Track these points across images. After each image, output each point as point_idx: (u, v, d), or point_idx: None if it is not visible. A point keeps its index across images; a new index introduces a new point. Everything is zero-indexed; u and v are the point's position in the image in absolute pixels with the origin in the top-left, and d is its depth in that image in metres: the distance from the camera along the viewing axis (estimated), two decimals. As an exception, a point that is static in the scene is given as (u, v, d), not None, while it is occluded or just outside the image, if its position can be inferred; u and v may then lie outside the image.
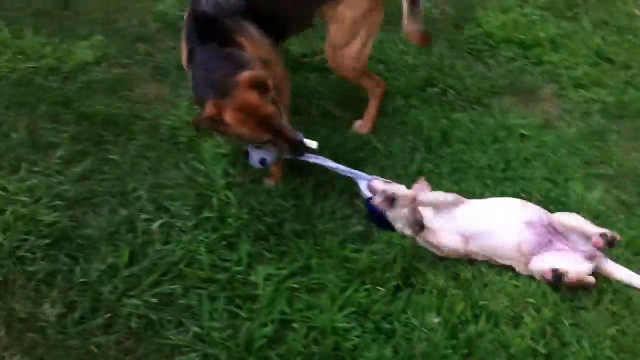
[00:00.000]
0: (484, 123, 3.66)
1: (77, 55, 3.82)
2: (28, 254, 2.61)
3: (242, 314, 2.47)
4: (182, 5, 4.29)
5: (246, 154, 2.98)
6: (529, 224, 2.77)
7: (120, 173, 3.09)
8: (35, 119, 3.34)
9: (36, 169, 3.02)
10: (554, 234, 2.79)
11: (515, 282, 2.72)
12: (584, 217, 2.84)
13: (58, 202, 2.84)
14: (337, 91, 3.79)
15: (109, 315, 2.42)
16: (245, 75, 2.64)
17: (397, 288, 2.66)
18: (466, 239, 2.81)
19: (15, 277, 2.52)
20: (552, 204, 3.10)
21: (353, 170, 3.02)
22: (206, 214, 2.91)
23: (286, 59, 3.93)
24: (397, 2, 3.37)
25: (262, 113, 2.68)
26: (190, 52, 2.88)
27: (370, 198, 2.89)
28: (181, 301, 2.51)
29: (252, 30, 2.94)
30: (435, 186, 3.06)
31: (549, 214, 2.86)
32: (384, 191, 2.84)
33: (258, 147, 2.88)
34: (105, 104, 3.51)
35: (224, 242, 2.82)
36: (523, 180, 3.29)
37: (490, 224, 2.82)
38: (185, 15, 2.98)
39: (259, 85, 2.65)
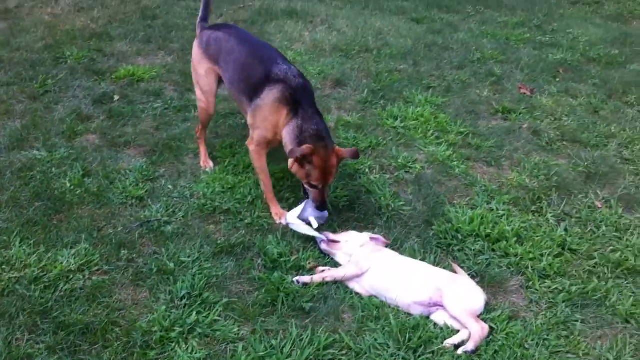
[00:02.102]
0: (453, 315, 3.75)
1: (61, 264, 3.96)
2: None
3: None
4: (168, 211, 4.55)
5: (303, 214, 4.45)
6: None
7: (93, 383, 3.13)
8: (14, 330, 3.42)
9: (8, 383, 3.09)
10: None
11: None
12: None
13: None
14: (312, 288, 3.93)
15: None
16: (339, 148, 4.39)
17: None
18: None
19: None
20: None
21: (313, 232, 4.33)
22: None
23: (265, 259, 4.13)
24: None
25: (330, 171, 4.33)
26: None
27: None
28: None
29: None
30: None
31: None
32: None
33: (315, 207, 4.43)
34: (83, 311, 3.61)
35: None
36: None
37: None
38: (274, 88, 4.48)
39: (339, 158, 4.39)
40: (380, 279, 3.92)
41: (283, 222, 4.54)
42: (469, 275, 4.08)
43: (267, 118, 4.53)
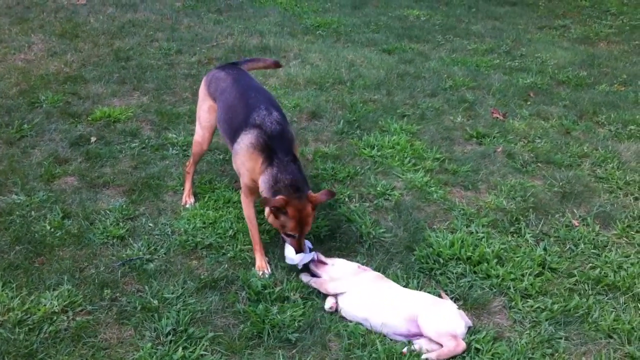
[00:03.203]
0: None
1: (44, 306, 3.93)
2: None
3: None
4: (150, 248, 4.54)
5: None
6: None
7: None
8: (-1, 376, 3.40)
9: None
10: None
11: None
12: None
13: None
14: (297, 319, 3.94)
15: None
16: (313, 194, 4.25)
17: None
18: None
19: None
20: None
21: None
22: None
23: (249, 292, 4.14)
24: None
25: (306, 221, 4.23)
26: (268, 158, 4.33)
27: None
28: None
29: None
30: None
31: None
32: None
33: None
34: (68, 352, 3.60)
35: None
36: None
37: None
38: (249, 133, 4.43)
39: (314, 206, 4.28)
40: (360, 308, 3.95)
41: (266, 275, 4.40)
42: (452, 298, 4.12)
43: (244, 164, 4.48)
